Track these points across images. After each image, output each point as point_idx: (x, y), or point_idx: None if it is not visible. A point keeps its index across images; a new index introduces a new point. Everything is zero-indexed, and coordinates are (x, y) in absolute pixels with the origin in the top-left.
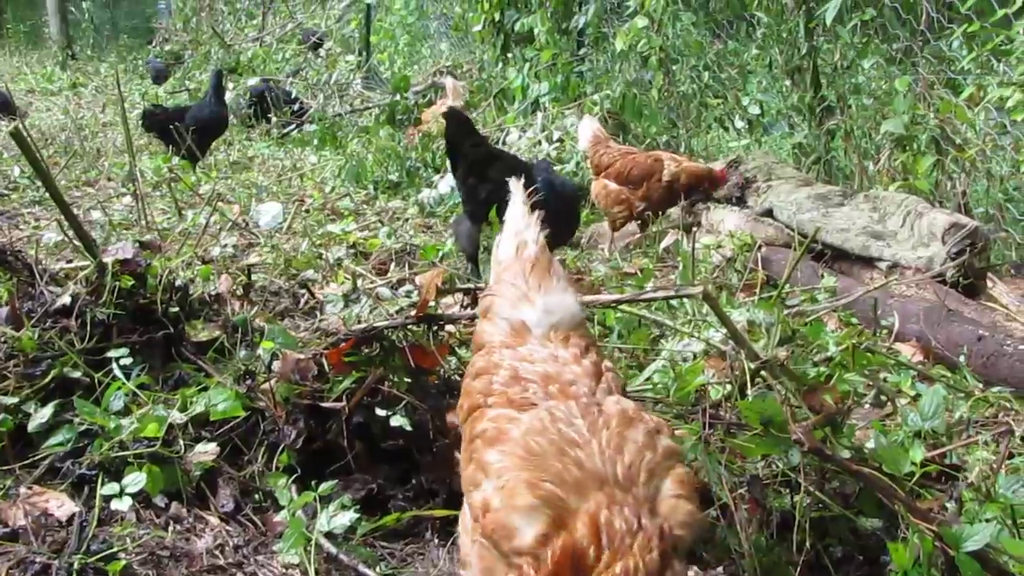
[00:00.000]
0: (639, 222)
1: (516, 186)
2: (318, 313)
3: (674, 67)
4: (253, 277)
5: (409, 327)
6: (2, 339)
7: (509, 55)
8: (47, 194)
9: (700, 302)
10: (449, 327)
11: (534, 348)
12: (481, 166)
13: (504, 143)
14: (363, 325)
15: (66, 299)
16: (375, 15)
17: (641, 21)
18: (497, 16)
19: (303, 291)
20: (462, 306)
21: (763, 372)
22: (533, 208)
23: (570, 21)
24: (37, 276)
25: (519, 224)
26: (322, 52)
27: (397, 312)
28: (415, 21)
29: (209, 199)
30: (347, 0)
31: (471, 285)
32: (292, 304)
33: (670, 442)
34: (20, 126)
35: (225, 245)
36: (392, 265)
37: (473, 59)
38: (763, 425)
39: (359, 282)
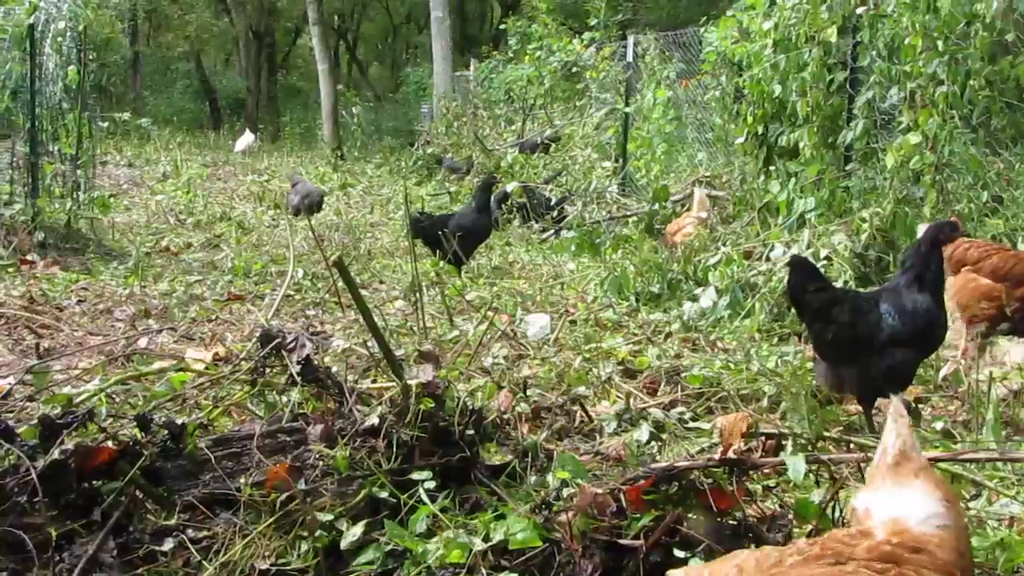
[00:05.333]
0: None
1: (897, 408)
2: (597, 435)
3: (949, 185)
4: (527, 392)
5: (710, 469)
6: (318, 456)
7: (771, 168)
8: (327, 299)
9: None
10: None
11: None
12: (825, 310)
13: (767, 258)
14: (664, 464)
15: (374, 419)
16: (633, 123)
17: (914, 138)
18: (760, 129)
19: (575, 407)
20: (764, 451)
21: None
22: None
23: (837, 136)
24: (347, 395)
25: (889, 442)
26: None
27: (697, 453)
28: (673, 130)
29: (482, 308)
30: (605, 108)
31: (775, 431)
32: (568, 422)
33: None
34: (341, 258)
35: (496, 357)
36: (662, 384)
37: (732, 170)
38: None
39: (631, 402)
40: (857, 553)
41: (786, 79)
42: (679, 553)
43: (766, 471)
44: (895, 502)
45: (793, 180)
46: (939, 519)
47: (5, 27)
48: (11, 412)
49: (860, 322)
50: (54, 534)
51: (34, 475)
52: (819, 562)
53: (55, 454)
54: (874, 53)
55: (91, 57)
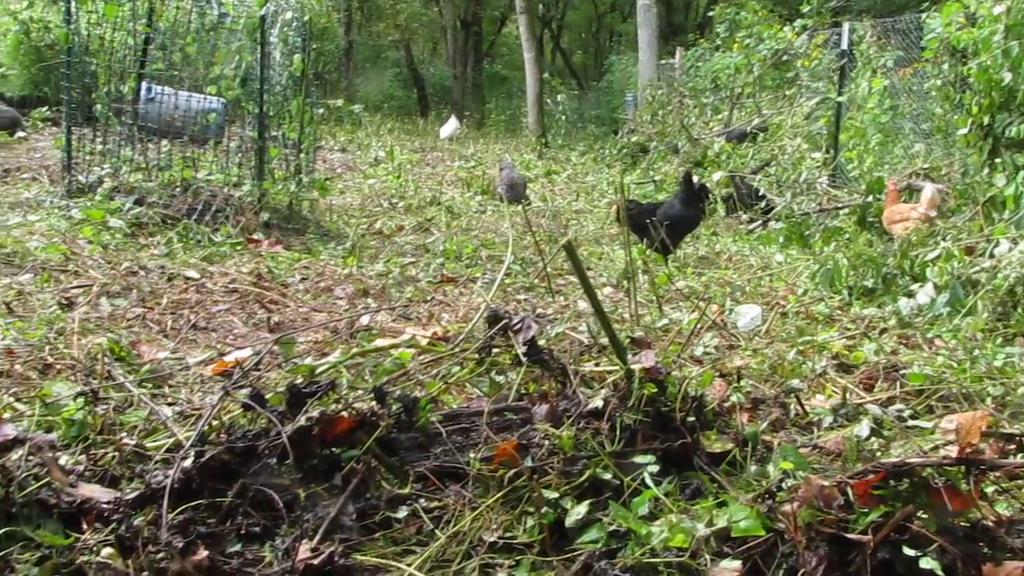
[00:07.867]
0: None
1: None
2: (814, 429)
3: None
4: (741, 382)
5: (944, 467)
6: (543, 435)
7: (997, 160)
8: (536, 284)
9: None
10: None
11: None
12: None
13: (992, 255)
14: (894, 459)
15: (598, 402)
16: (845, 112)
17: None
18: (986, 120)
19: (790, 400)
20: (1000, 453)
21: None
22: None
23: None
24: (570, 377)
25: None
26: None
27: (931, 450)
28: (888, 120)
29: (691, 297)
30: (817, 97)
31: (1017, 431)
32: (783, 415)
33: None
34: (570, 241)
35: (707, 346)
36: (879, 380)
37: (952, 162)
38: None
39: (847, 397)
40: None
41: (1018, 66)
42: (908, 552)
43: (999, 474)
44: None
45: (1022, 173)
46: None
47: (238, 19)
48: (251, 381)
49: None
50: (302, 495)
51: (285, 439)
52: None
53: (301, 420)
54: None
55: (313, 46)
